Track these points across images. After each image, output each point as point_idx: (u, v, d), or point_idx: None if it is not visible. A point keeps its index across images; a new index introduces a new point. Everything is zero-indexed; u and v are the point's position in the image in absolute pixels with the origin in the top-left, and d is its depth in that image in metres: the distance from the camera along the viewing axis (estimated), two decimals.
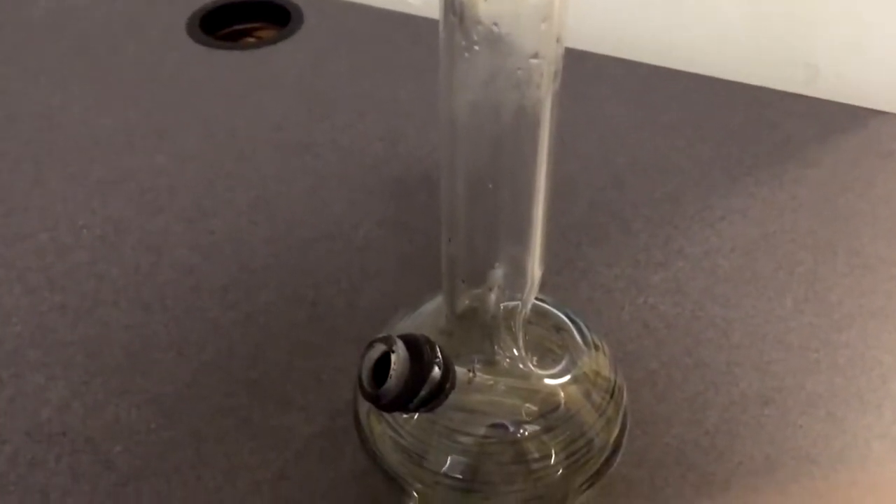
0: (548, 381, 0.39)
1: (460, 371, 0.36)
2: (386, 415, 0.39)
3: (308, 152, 0.64)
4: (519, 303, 0.37)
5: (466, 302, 0.38)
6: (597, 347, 0.40)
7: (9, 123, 0.66)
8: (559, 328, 0.41)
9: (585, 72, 0.72)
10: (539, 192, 0.34)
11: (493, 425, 0.38)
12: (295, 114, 0.67)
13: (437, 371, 0.35)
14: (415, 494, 0.39)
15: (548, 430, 0.38)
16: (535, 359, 0.40)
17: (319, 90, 0.70)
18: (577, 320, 0.41)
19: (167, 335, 0.50)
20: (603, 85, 0.71)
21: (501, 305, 0.38)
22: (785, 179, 0.61)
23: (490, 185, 0.32)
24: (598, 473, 0.39)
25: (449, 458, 0.38)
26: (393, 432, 0.38)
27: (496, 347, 0.38)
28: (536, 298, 0.42)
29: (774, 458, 0.43)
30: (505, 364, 0.38)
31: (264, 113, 0.68)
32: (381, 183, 0.61)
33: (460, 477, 0.38)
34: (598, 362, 0.40)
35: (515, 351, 0.38)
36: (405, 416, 0.38)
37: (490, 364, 0.38)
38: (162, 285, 0.53)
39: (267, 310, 0.52)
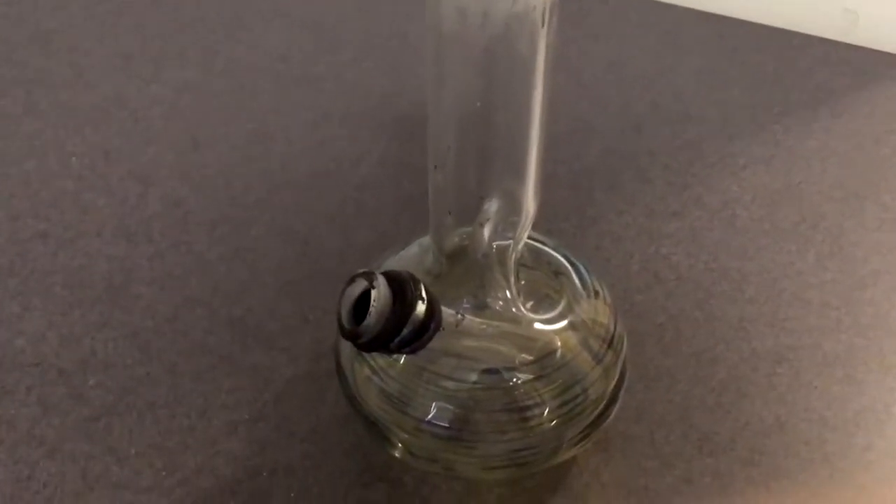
0: (542, 326, 0.36)
1: (448, 313, 0.34)
2: (368, 357, 0.36)
3: (311, 86, 0.61)
4: (511, 241, 0.34)
5: (456, 239, 0.35)
6: (597, 294, 0.38)
7: (2, 47, 0.64)
8: (558, 272, 0.38)
9: (608, 12, 0.68)
10: (534, 114, 0.31)
11: (483, 372, 0.36)
12: (300, 46, 0.64)
13: (420, 310, 0.32)
14: (398, 444, 0.37)
15: (540, 377, 0.35)
16: (530, 303, 0.37)
17: (326, 23, 0.67)
18: (578, 264, 0.39)
19: (150, 269, 0.48)
20: (628, 26, 0.67)
21: (494, 245, 0.35)
22: (815, 128, 0.57)
23: (478, 104, 0.29)
24: (593, 425, 0.37)
25: (435, 406, 0.35)
26: (375, 376, 0.36)
27: (487, 289, 0.36)
28: (535, 240, 0.39)
29: (785, 420, 0.40)
30: (497, 308, 0.36)
31: (268, 44, 0.65)
32: (384, 121, 0.58)
33: (446, 425, 0.35)
34: (597, 309, 0.37)
35: (507, 293, 0.35)
36: (388, 358, 0.36)
37: (481, 308, 0.36)
38: (148, 218, 0.51)
39: (255, 246, 0.49)
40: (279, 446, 0.39)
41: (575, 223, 0.50)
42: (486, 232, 0.34)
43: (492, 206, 0.34)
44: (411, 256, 0.37)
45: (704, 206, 0.52)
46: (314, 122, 0.58)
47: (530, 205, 0.34)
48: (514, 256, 0.35)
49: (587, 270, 0.38)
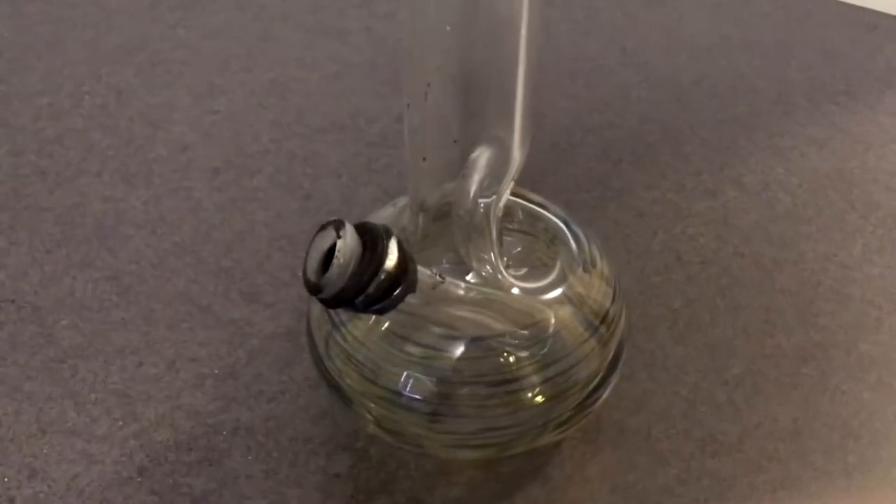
0: (527, 295, 0.32)
1: (425, 273, 0.30)
2: (336, 318, 0.33)
3: (339, 38, 0.58)
4: (493, 197, 0.31)
5: (435, 195, 0.32)
6: (594, 265, 0.34)
7: None
8: (554, 238, 0.35)
9: None
10: (521, 44, 0.27)
11: (461, 342, 0.32)
12: None
13: (389, 265, 0.29)
14: (365, 413, 0.33)
15: (523, 349, 0.32)
16: (523, 271, 0.34)
17: None
18: (578, 233, 0.35)
19: (144, 212, 0.46)
20: None
21: (480, 202, 0.31)
22: (878, 111, 0.51)
23: (448, 29, 0.26)
24: (580, 408, 0.33)
25: (406, 375, 0.32)
26: (343, 339, 0.33)
27: (471, 252, 0.32)
28: (536, 203, 0.36)
29: (803, 424, 0.36)
30: (483, 273, 0.32)
31: None
32: None
33: (419, 398, 0.32)
34: (593, 282, 0.33)
35: (491, 256, 0.32)
36: (357, 320, 0.33)
37: (464, 273, 0.32)
38: (151, 160, 0.49)
39: (255, 197, 0.47)
40: (244, 405, 0.37)
41: (597, 195, 0.46)
42: (472, 186, 0.31)
43: (480, 157, 0.31)
44: (385, 216, 0.34)
45: (742, 186, 0.47)
46: (336, 75, 0.55)
47: (516, 154, 0.30)
48: (496, 213, 0.31)
49: (588, 240, 0.35)
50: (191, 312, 0.41)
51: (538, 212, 0.35)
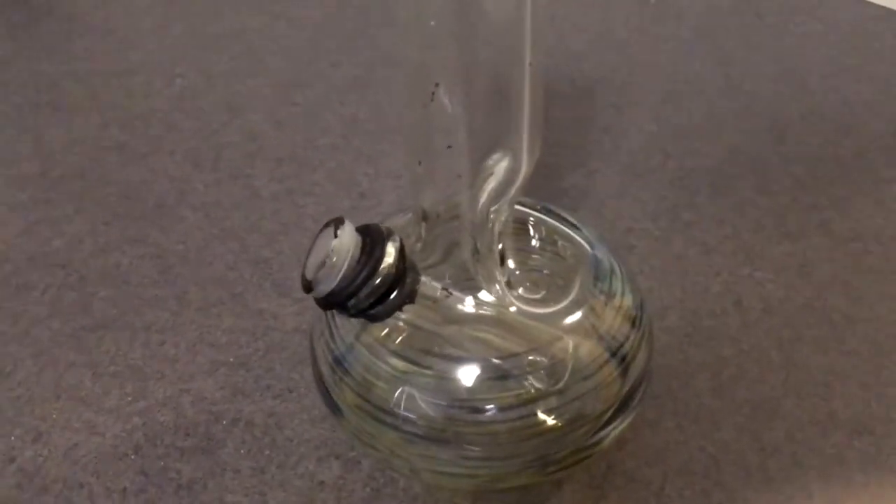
0: (534, 318, 0.30)
1: (429, 285, 0.29)
2: (330, 322, 0.32)
3: None
4: (497, 208, 0.29)
5: (435, 203, 0.30)
6: (612, 296, 0.31)
7: None
8: (579, 261, 0.32)
9: (797, 3, 0.59)
10: (524, 47, 0.25)
11: (459, 363, 0.30)
12: None
13: (385, 269, 0.28)
14: (345, 419, 0.32)
15: (523, 376, 0.30)
16: (541, 293, 0.31)
17: None
18: (603, 259, 0.32)
19: (203, 194, 0.46)
20: (816, 22, 0.58)
21: (491, 212, 0.29)
22: None
23: (432, 24, 0.24)
24: (580, 448, 0.30)
25: (394, 394, 0.30)
26: (335, 347, 0.32)
27: (477, 268, 0.30)
28: (567, 222, 0.33)
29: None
30: (493, 293, 0.30)
31: None
32: None
33: (401, 415, 0.30)
34: (607, 314, 0.31)
35: (496, 273, 0.30)
36: (348, 326, 0.31)
37: (472, 290, 0.30)
38: (222, 146, 0.49)
39: (311, 191, 0.46)
40: (250, 398, 0.36)
41: (663, 225, 0.43)
42: (481, 196, 0.29)
43: (490, 167, 0.29)
44: (399, 223, 0.33)
45: (830, 233, 0.42)
46: None
47: (523, 164, 0.28)
48: (499, 226, 0.29)
49: (613, 268, 0.32)
50: (222, 298, 0.40)
51: (566, 232, 0.33)
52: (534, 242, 0.33)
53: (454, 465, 0.30)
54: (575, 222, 0.34)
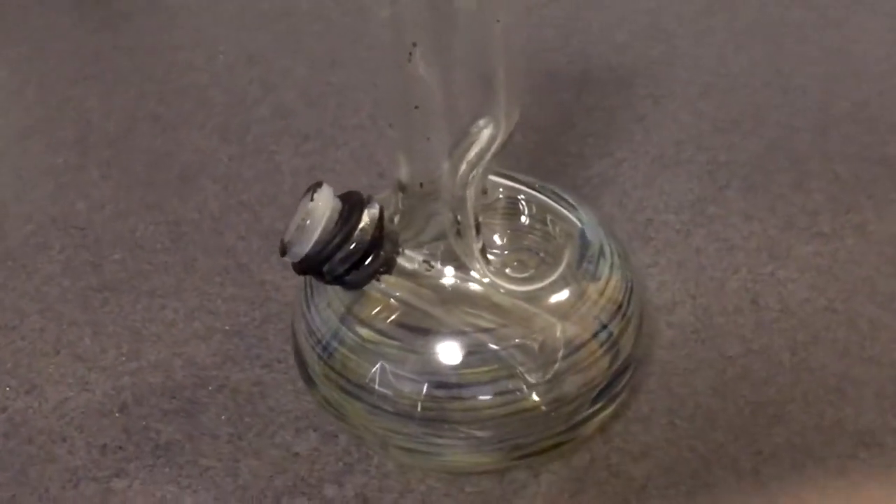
0: (514, 294, 0.29)
1: (409, 256, 0.28)
2: (307, 290, 0.31)
3: None
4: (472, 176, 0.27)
5: (408, 171, 0.29)
6: (597, 279, 0.29)
7: None
8: (567, 241, 0.31)
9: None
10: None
11: (431, 337, 0.29)
12: None
13: (361, 233, 0.27)
14: (318, 389, 0.31)
15: (501, 353, 0.28)
16: (529, 271, 0.30)
17: None
18: (594, 241, 0.31)
19: (226, 167, 0.46)
20: (875, 15, 0.55)
21: (471, 179, 0.28)
22: None
23: None
24: (551, 435, 0.29)
25: (366, 366, 0.29)
26: (310, 316, 0.31)
27: (457, 243, 0.29)
28: (564, 201, 0.32)
29: None
30: (474, 267, 0.29)
31: None
32: (552, 74, 0.52)
33: (355, 384, 0.29)
34: (589, 297, 0.29)
35: (473, 247, 0.29)
36: (322, 294, 0.31)
37: (460, 267, 0.29)
38: (251, 121, 0.50)
39: (332, 168, 0.46)
40: (239, 365, 0.36)
41: (685, 218, 0.41)
42: (462, 166, 0.28)
43: (480, 132, 0.28)
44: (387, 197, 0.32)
45: (866, 234, 0.40)
46: None
47: (501, 127, 0.27)
48: (474, 196, 0.28)
49: (604, 250, 0.30)
50: (227, 268, 0.41)
51: (559, 211, 0.32)
52: (523, 220, 0.31)
53: (420, 442, 0.30)
54: (573, 202, 0.32)
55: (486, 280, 0.28)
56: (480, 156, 0.28)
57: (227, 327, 0.38)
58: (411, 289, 0.29)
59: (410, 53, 0.26)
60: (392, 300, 0.29)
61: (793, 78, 0.50)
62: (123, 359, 0.37)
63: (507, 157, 0.45)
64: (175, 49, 0.56)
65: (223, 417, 0.34)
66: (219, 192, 0.45)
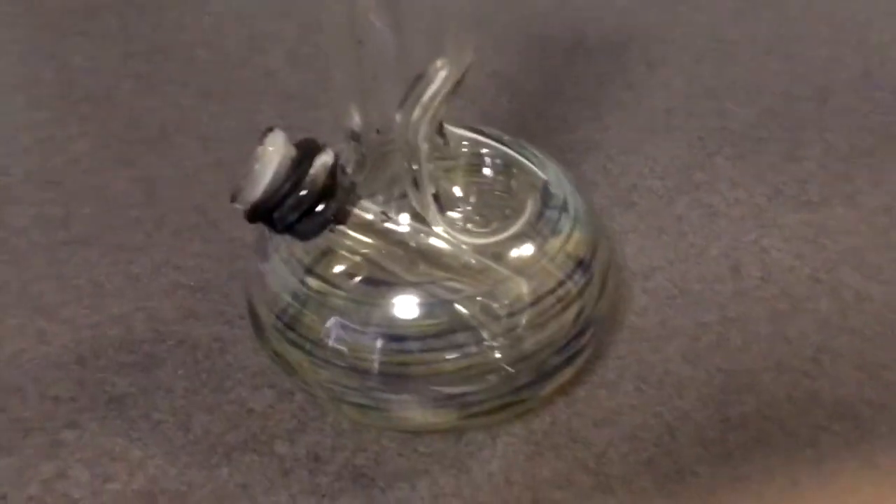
0: (473, 254, 0.28)
1: (368, 206, 0.27)
2: (261, 240, 0.31)
3: None
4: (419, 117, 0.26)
5: (371, 118, 0.28)
6: (556, 233, 0.28)
7: None
8: (529, 195, 0.29)
9: None
10: None
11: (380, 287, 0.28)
12: None
13: (312, 179, 0.26)
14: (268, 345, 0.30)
15: (454, 304, 0.27)
16: (492, 225, 0.29)
17: None
18: (558, 195, 0.29)
19: (205, 126, 0.46)
20: None
21: (423, 123, 0.27)
22: None
23: None
24: (501, 396, 0.28)
25: (309, 316, 0.28)
26: (260, 263, 0.30)
27: (412, 193, 0.28)
28: (525, 152, 0.31)
29: (804, 492, 0.28)
30: (430, 220, 0.28)
31: None
32: (545, 39, 0.51)
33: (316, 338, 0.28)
34: (550, 251, 0.28)
35: (427, 195, 0.28)
36: (274, 242, 0.30)
37: (416, 219, 0.28)
38: (235, 81, 0.49)
39: (314, 128, 0.45)
40: (201, 321, 0.35)
41: (670, 185, 0.40)
42: (416, 110, 0.27)
43: (437, 73, 0.26)
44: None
45: (857, 205, 0.38)
46: None
47: (452, 58, 0.26)
48: (426, 140, 0.27)
49: (566, 206, 0.29)
50: (198, 224, 0.40)
51: (524, 165, 0.30)
52: (486, 172, 0.30)
53: (373, 399, 0.29)
54: (541, 157, 0.31)
55: (439, 230, 0.27)
56: (433, 99, 0.26)
57: (192, 283, 0.37)
58: (373, 245, 0.28)
59: None
60: (356, 258, 0.28)
61: (794, 45, 0.48)
62: (85, 312, 0.36)
63: (490, 119, 0.45)
64: (164, 8, 0.56)
65: (180, 372, 0.33)
66: (196, 150, 0.44)
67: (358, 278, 0.28)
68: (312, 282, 0.28)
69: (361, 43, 0.25)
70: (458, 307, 0.28)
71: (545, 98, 0.46)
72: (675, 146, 0.42)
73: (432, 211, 0.27)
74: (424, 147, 0.27)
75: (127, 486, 0.30)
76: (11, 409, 0.32)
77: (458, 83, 0.26)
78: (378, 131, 0.28)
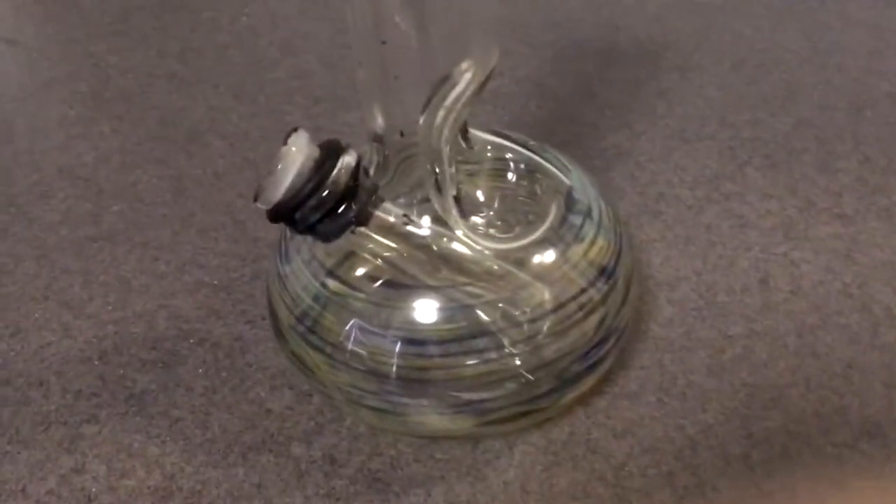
0: (497, 261, 0.27)
1: (390, 209, 0.27)
2: (282, 241, 0.31)
3: None
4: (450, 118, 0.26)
5: (395, 119, 0.27)
6: (579, 241, 0.28)
7: None
8: (552, 202, 0.29)
9: None
10: None
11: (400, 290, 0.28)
12: None
13: (334, 180, 0.26)
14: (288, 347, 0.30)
15: (473, 310, 0.27)
16: (515, 230, 0.29)
17: None
18: (595, 208, 0.29)
19: (235, 125, 0.46)
20: None
21: (447, 126, 0.27)
22: None
23: None
24: (518, 404, 0.28)
25: (328, 318, 0.28)
26: (280, 265, 0.30)
27: (435, 197, 0.28)
28: (550, 157, 0.30)
29: None
30: (451, 223, 0.28)
31: None
32: (578, 44, 0.50)
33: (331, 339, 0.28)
34: (572, 258, 0.28)
35: (449, 199, 0.27)
36: (295, 243, 0.30)
37: (438, 222, 0.28)
38: (266, 82, 0.49)
39: (340, 130, 0.45)
40: (223, 320, 0.35)
41: (700, 194, 0.39)
42: (440, 112, 0.27)
43: (462, 75, 0.26)
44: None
45: (892, 217, 0.37)
46: None
47: (476, 61, 0.25)
48: (449, 143, 0.26)
49: (591, 214, 0.29)
50: (224, 224, 0.40)
51: (549, 171, 0.30)
52: (510, 177, 0.30)
53: (390, 403, 0.28)
54: (566, 163, 0.31)
55: (459, 234, 0.27)
56: (457, 101, 0.26)
57: (215, 282, 0.37)
58: (395, 248, 0.27)
59: None
60: (377, 260, 0.28)
61: (831, 56, 0.47)
62: (109, 308, 0.36)
63: (519, 124, 0.44)
64: (199, 9, 0.56)
65: (200, 371, 0.33)
66: (225, 149, 0.44)
67: (379, 281, 0.28)
68: (333, 284, 0.28)
69: (385, 44, 0.24)
70: (479, 312, 0.27)
71: (576, 103, 0.45)
72: (706, 155, 0.41)
73: (454, 215, 0.27)
74: (446, 150, 0.26)
75: (143, 482, 0.30)
76: (34, 402, 0.33)
77: (482, 87, 0.26)
78: (402, 133, 0.28)
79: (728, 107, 0.44)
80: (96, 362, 0.34)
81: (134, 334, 0.35)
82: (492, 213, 0.29)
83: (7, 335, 0.35)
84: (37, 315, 0.36)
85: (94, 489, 0.30)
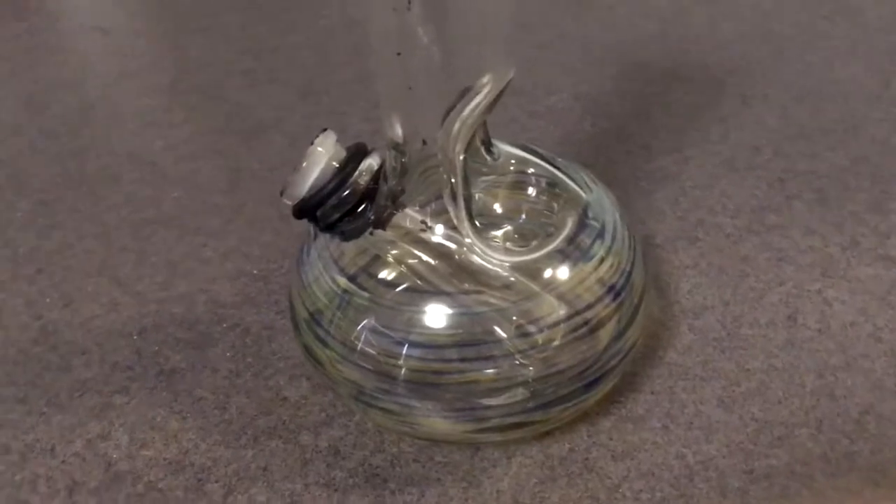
0: (513, 273, 0.28)
1: (409, 215, 0.28)
2: (308, 238, 0.32)
3: None
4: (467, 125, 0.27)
5: (397, 128, 0.28)
6: (587, 259, 0.28)
7: None
8: (572, 210, 0.29)
9: None
10: None
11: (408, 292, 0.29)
12: None
13: (356, 179, 0.27)
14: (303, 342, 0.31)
15: (483, 320, 0.28)
16: (532, 242, 0.29)
17: None
18: (609, 227, 0.29)
19: (297, 124, 0.48)
20: None
21: (461, 137, 0.27)
22: None
23: None
24: (517, 416, 0.28)
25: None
26: (304, 261, 0.31)
27: (452, 210, 0.28)
28: (573, 173, 0.31)
29: None
30: (463, 233, 0.28)
31: None
32: (642, 64, 0.50)
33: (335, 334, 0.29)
34: (577, 275, 0.28)
35: (462, 210, 0.28)
36: (320, 241, 0.31)
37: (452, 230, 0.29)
38: (334, 83, 0.51)
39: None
40: (255, 308, 0.37)
41: (740, 224, 0.39)
42: (453, 126, 0.27)
43: (483, 87, 0.27)
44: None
45: None
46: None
47: (495, 73, 0.26)
48: (462, 154, 0.27)
49: (603, 232, 0.29)
50: (271, 217, 0.42)
51: (567, 185, 0.30)
52: (531, 191, 0.30)
53: (395, 404, 0.29)
54: (590, 180, 0.31)
55: (468, 241, 0.28)
56: (471, 113, 0.27)
57: (255, 271, 0.39)
58: (411, 253, 0.28)
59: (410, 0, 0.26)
60: (393, 263, 0.29)
61: (868, 85, 0.46)
62: (155, 287, 0.38)
63: (570, 141, 0.44)
64: (283, 9, 0.58)
65: (228, 354, 0.35)
66: (284, 145, 0.46)
67: (394, 285, 0.29)
68: (348, 284, 0.29)
69: (402, 55, 0.25)
70: (489, 320, 0.28)
71: (630, 124, 0.45)
72: (754, 185, 0.41)
73: (466, 225, 0.28)
74: (460, 161, 0.27)
75: (160, 454, 0.31)
76: (75, 369, 0.35)
77: (496, 101, 0.27)
78: (424, 142, 0.28)
79: (785, 138, 0.44)
80: (135, 337, 0.36)
81: (173, 314, 0.37)
82: (508, 227, 0.30)
83: (61, 305, 0.38)
84: (90, 288, 0.39)
85: (115, 455, 0.31)
